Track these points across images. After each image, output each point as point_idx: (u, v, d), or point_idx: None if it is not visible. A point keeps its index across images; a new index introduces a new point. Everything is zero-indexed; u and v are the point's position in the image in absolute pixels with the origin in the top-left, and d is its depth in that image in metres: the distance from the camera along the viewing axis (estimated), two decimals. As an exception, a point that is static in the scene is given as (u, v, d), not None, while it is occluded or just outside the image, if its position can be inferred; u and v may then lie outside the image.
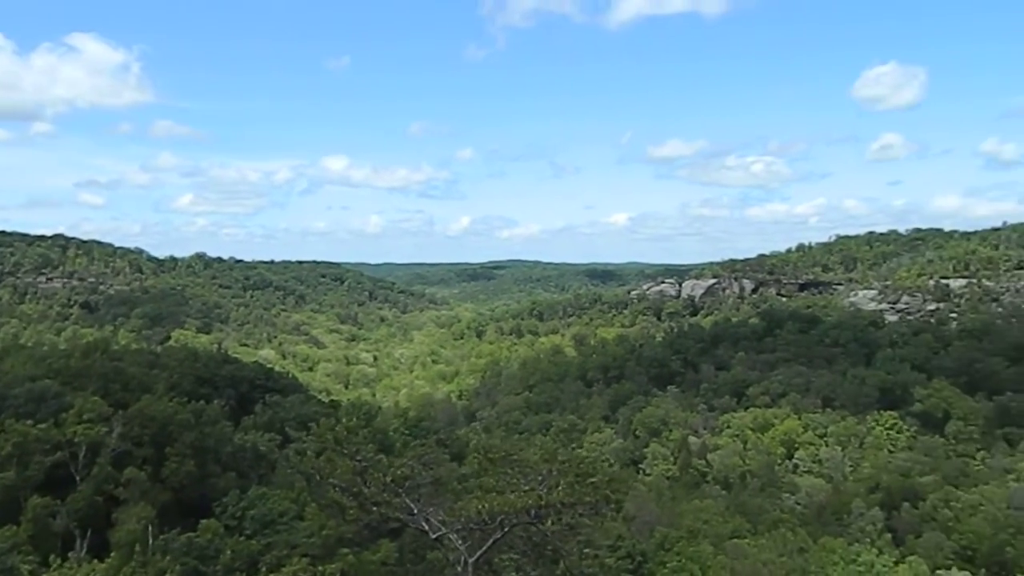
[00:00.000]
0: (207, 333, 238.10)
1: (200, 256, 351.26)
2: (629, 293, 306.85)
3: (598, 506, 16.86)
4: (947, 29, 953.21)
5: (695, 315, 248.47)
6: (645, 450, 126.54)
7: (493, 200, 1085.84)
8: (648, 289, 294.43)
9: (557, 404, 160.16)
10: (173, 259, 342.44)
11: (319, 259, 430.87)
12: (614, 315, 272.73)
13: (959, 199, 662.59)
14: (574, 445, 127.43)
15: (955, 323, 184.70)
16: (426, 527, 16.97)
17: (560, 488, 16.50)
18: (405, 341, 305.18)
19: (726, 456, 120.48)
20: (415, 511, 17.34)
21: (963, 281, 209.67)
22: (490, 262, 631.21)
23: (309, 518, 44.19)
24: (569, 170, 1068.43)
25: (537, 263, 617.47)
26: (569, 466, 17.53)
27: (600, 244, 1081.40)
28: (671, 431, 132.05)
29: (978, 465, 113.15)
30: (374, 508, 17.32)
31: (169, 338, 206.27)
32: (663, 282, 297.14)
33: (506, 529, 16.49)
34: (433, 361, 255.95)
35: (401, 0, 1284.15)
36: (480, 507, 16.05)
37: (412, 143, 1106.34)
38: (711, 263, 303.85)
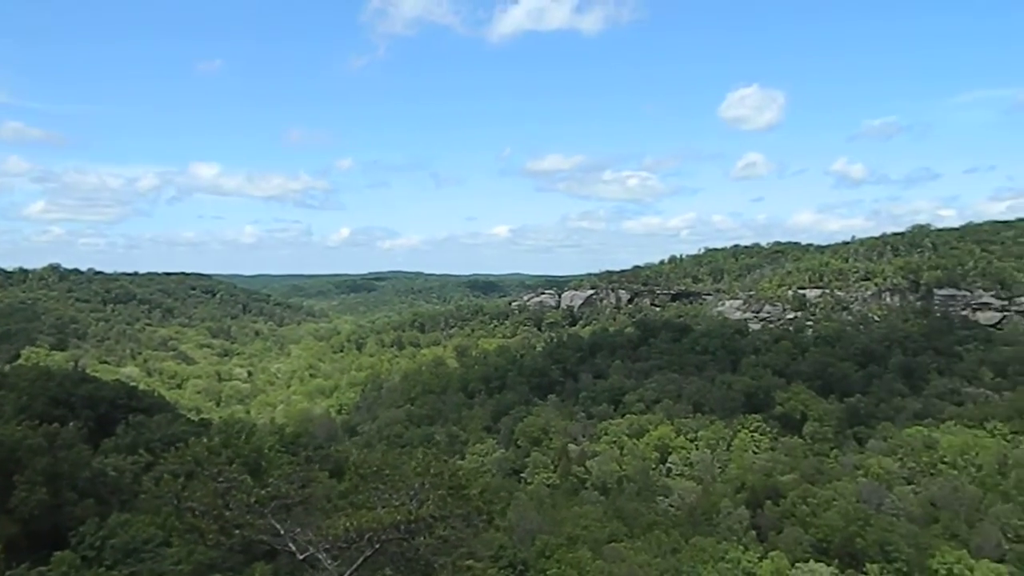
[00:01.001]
0: (62, 350, 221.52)
1: (54, 267, 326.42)
2: (510, 304, 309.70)
3: (470, 518, 16.83)
4: (803, 56, 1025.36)
5: (574, 325, 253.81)
6: (526, 459, 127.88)
7: (374, 210, 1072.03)
8: (529, 300, 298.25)
9: (439, 416, 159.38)
10: (23, 271, 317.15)
11: (188, 271, 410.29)
12: (496, 326, 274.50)
13: (814, 215, 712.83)
14: (457, 457, 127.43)
15: (811, 330, 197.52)
16: (293, 548, 16.42)
17: (431, 502, 16.38)
18: (282, 355, 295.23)
19: (604, 462, 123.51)
20: (281, 532, 16.74)
21: (818, 291, 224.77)
22: (371, 273, 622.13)
23: (177, 544, 41.81)
24: (451, 181, 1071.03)
25: (419, 274, 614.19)
26: (441, 479, 17.43)
27: (482, 255, 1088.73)
28: (551, 439, 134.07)
29: (832, 463, 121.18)
30: (236, 531, 16.57)
31: (18, 356, 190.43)
32: (543, 293, 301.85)
33: (377, 546, 16.20)
34: (311, 375, 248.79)
35: (278, 2, 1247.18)
36: (348, 525, 15.68)
37: (289, 151, 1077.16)
38: (590, 274, 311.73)
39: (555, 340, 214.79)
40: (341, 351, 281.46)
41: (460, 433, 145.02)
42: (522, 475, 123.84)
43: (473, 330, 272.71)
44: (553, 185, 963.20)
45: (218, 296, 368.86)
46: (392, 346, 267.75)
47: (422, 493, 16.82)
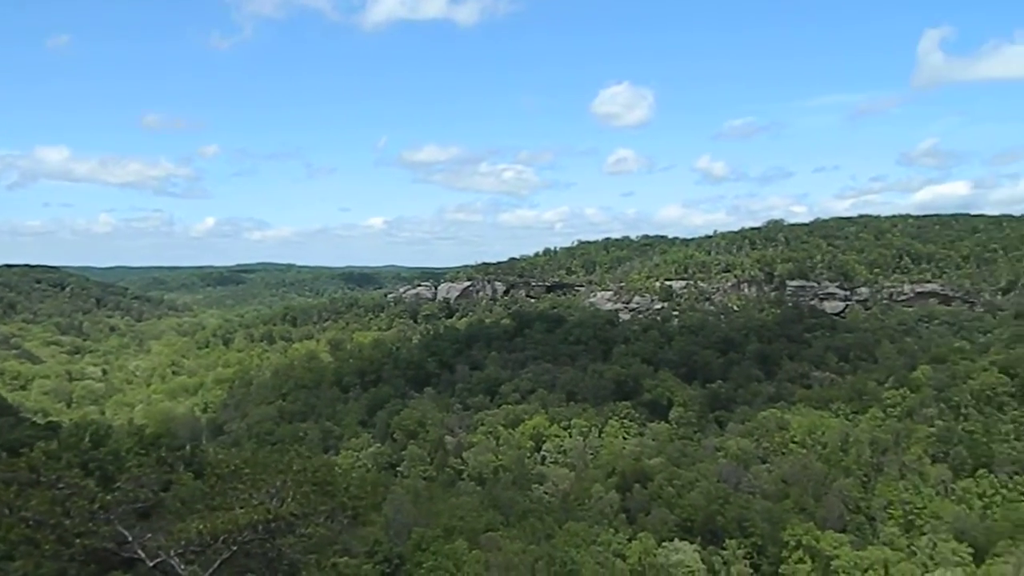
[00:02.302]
0: None
1: None
2: (386, 296, 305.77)
3: (335, 514, 16.42)
4: (671, 57, 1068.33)
5: (450, 317, 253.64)
6: (403, 453, 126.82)
7: (242, 200, 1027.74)
8: (405, 292, 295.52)
9: (312, 412, 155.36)
10: None
11: (34, 262, 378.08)
12: (371, 319, 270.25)
13: (680, 210, 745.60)
14: (331, 452, 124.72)
15: (677, 320, 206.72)
16: (142, 554, 15.43)
17: (293, 500, 15.84)
18: (141, 352, 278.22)
19: (480, 453, 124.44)
20: (130, 538, 15.69)
21: (683, 283, 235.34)
22: (239, 265, 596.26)
23: (20, 558, 38.56)
24: (324, 171, 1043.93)
25: (290, 266, 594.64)
26: (304, 476, 16.88)
27: (357, 247, 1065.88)
28: (428, 432, 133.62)
29: (695, 446, 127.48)
30: (76, 540, 15.37)
31: None
32: (419, 285, 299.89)
33: (234, 547, 15.51)
34: (174, 373, 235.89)
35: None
36: (201, 527, 14.89)
37: (148, 135, 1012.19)
38: (466, 266, 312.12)
39: (431, 332, 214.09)
40: (206, 347, 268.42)
41: (334, 428, 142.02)
42: (398, 469, 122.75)
43: (348, 323, 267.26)
44: (430, 176, 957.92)
45: (68, 290, 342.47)
46: (262, 341, 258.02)
47: (283, 491, 16.22)
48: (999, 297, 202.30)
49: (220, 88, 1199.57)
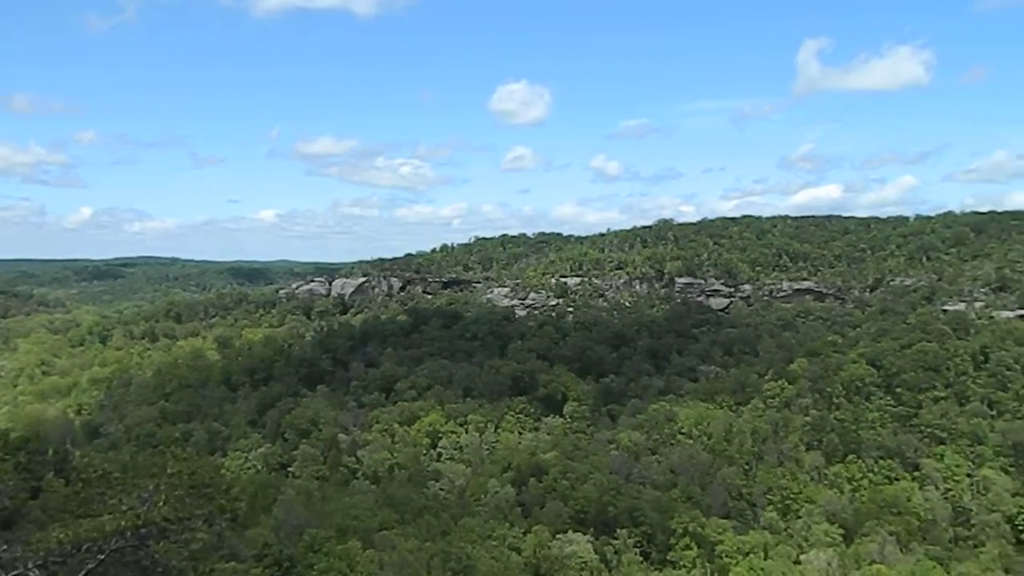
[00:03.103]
0: None
1: None
2: (278, 292, 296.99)
3: (212, 518, 15.65)
4: (568, 57, 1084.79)
5: (345, 313, 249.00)
6: (294, 452, 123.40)
7: (121, 189, 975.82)
8: (298, 288, 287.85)
9: (198, 412, 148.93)
10: None
11: None
12: (261, 315, 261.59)
13: (574, 208, 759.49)
14: (218, 454, 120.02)
15: (571, 316, 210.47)
16: (-3, 567, 14.20)
17: (165, 504, 14.97)
18: (6, 350, 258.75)
19: (375, 451, 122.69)
20: (-20, 550, 14.41)
21: (577, 279, 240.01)
22: (117, 259, 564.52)
23: None
24: (212, 161, 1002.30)
25: (175, 260, 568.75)
26: (180, 479, 16.00)
27: (246, 241, 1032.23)
28: (321, 431, 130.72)
29: (588, 439, 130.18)
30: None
31: None
32: (313, 281, 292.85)
33: (101, 556, 14.52)
34: (44, 373, 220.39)
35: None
36: (62, 536, 13.85)
37: (16, 119, 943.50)
38: (361, 261, 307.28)
39: (325, 329, 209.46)
40: (81, 345, 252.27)
41: (222, 429, 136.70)
42: (290, 469, 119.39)
43: (236, 320, 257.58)
44: (324, 169, 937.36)
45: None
46: (143, 338, 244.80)
47: (156, 495, 15.29)
48: (867, 294, 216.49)
49: (99, 72, 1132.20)
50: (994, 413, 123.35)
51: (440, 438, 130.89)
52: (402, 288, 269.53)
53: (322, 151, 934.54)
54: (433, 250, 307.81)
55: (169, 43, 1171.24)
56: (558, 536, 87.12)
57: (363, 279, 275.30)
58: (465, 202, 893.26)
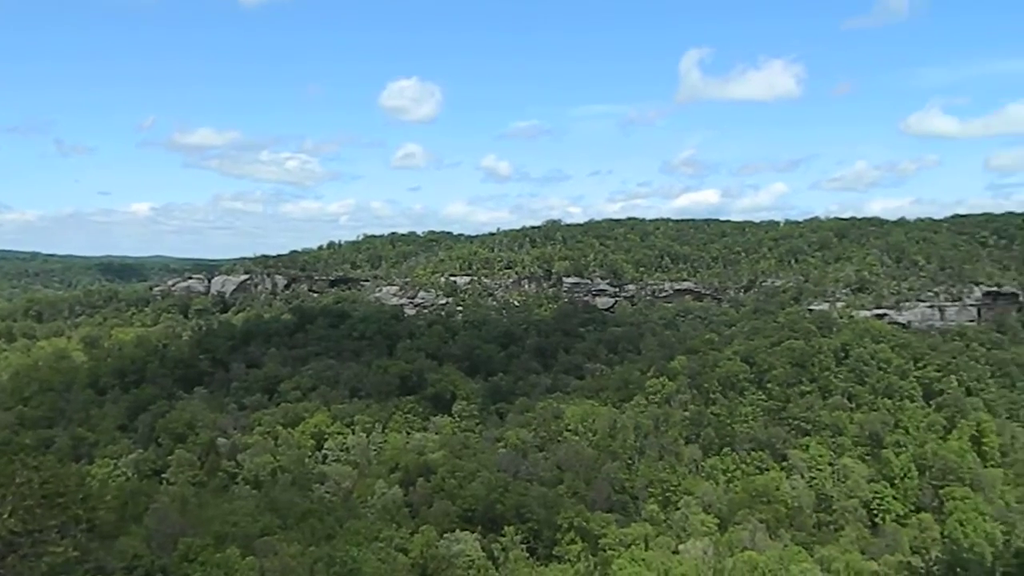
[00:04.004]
0: None
1: None
2: (152, 289, 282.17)
3: (66, 529, 14.62)
4: (459, 55, 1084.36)
5: (226, 312, 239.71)
6: (169, 458, 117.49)
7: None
8: (174, 285, 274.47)
9: (62, 417, 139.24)
10: None
11: None
12: (134, 314, 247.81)
13: (465, 206, 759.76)
14: (84, 461, 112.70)
15: (461, 315, 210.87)
16: None
17: (12, 515, 13.89)
18: None
19: (256, 454, 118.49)
20: None
21: (467, 278, 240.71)
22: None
23: None
24: (79, 150, 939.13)
25: (35, 255, 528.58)
26: (30, 488, 14.86)
27: (117, 235, 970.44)
28: (198, 435, 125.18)
29: (477, 437, 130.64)
30: None
31: None
32: (191, 278, 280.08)
33: (-60, 570, 13.31)
34: None
35: None
36: None
37: None
38: (244, 258, 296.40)
39: (204, 328, 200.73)
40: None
41: (88, 435, 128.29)
42: (164, 475, 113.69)
43: (106, 319, 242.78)
44: (204, 162, 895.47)
45: None
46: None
47: (2, 507, 14.14)
48: (742, 294, 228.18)
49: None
50: (853, 406, 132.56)
51: (326, 439, 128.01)
52: (287, 286, 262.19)
53: (201, 142, 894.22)
54: (320, 247, 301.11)
55: (31, 21, 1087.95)
56: (446, 535, 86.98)
57: (245, 276, 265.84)
58: (354, 199, 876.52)
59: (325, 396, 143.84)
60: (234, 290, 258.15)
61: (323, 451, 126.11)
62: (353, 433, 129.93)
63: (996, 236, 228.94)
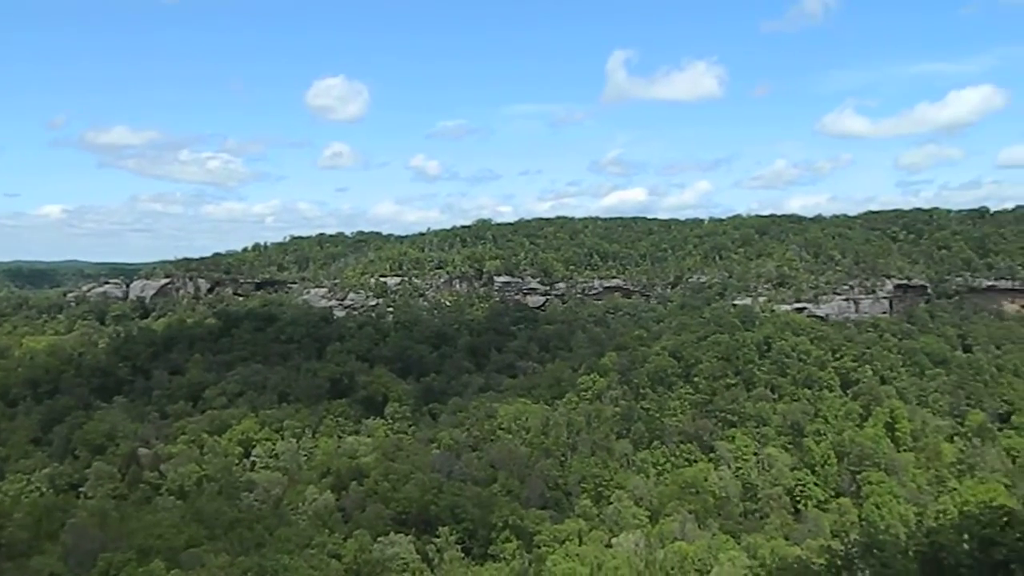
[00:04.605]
0: None
1: None
2: (65, 296, 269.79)
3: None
4: (386, 54, 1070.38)
5: (146, 317, 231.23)
6: (87, 471, 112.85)
7: None
8: (89, 291, 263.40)
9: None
10: None
11: None
12: (46, 321, 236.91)
13: (394, 206, 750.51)
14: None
15: (391, 316, 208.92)
16: None
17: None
18: None
19: (181, 464, 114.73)
20: None
21: (397, 279, 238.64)
22: None
23: None
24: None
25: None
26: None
27: (27, 239, 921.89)
28: (118, 446, 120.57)
29: (410, 439, 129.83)
30: None
31: None
32: (107, 283, 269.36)
33: None
34: None
35: None
36: None
37: None
38: (164, 262, 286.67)
39: (122, 335, 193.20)
40: None
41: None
42: (81, 490, 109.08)
43: (16, 327, 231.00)
44: (120, 162, 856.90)
45: None
46: None
47: None
48: (669, 290, 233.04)
49: None
50: (776, 397, 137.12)
51: (254, 446, 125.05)
52: (210, 290, 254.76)
53: (117, 141, 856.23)
54: (245, 249, 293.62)
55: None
56: (379, 539, 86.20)
57: (166, 280, 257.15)
58: (279, 199, 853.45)
59: (252, 402, 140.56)
60: (154, 295, 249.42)
61: (251, 458, 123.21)
62: (282, 439, 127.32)
63: (905, 231, 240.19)
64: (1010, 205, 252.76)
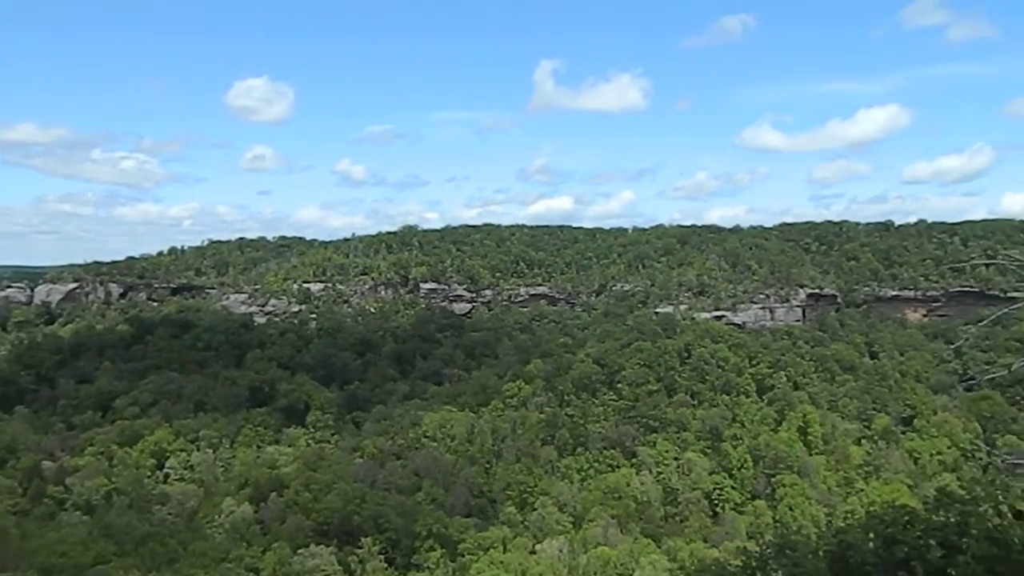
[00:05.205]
0: None
1: None
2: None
3: None
4: (312, 55, 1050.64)
5: (51, 324, 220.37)
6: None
7: None
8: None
9: None
10: None
11: None
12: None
13: (319, 211, 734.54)
14: None
15: (315, 323, 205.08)
16: None
17: None
18: None
19: (88, 477, 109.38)
20: None
21: (321, 285, 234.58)
22: None
23: None
24: None
25: None
26: None
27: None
28: (19, 458, 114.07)
29: (333, 448, 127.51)
30: None
31: None
32: (10, 287, 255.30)
33: None
34: None
35: None
36: None
37: None
38: (72, 265, 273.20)
39: (25, 342, 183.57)
40: None
41: None
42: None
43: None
44: (26, 160, 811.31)
45: None
46: None
47: None
48: (593, 298, 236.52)
49: None
50: (695, 403, 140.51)
51: (167, 457, 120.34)
52: (123, 295, 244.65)
53: (23, 139, 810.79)
54: (160, 253, 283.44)
55: None
56: (299, 551, 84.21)
57: (74, 285, 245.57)
58: (198, 202, 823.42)
59: (167, 411, 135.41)
60: (61, 300, 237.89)
61: (164, 470, 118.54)
62: (198, 449, 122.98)
63: (818, 243, 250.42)
64: (913, 219, 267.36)
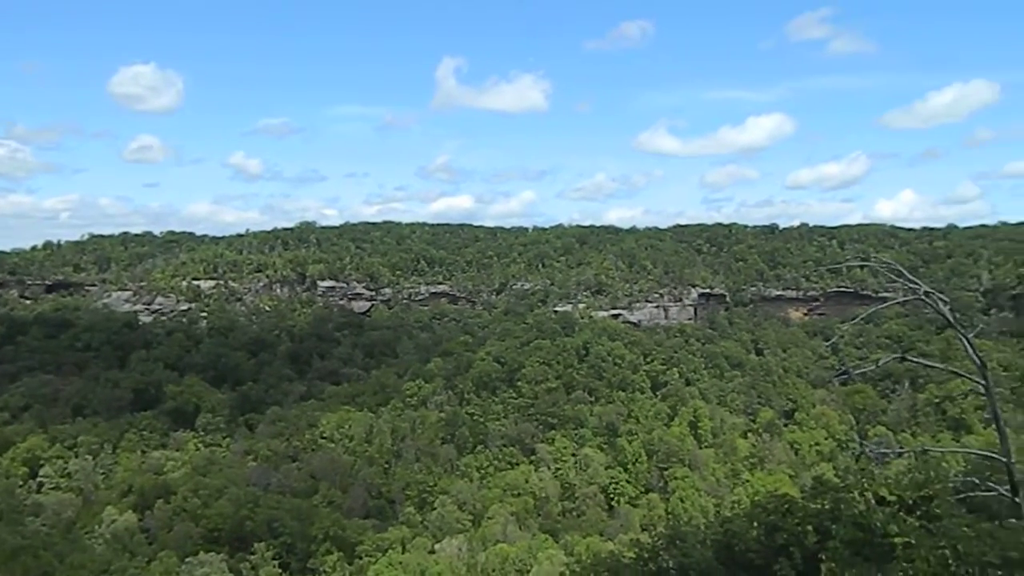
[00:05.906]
0: None
1: None
2: None
3: None
4: (202, 42, 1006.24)
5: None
6: None
7: None
8: None
9: None
10: None
11: None
12: None
13: (210, 206, 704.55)
14: None
15: (205, 322, 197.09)
16: None
17: None
18: None
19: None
20: None
21: (212, 282, 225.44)
22: None
23: None
24: None
25: None
26: None
27: None
28: None
29: (224, 452, 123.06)
30: None
31: None
32: None
33: None
34: None
35: None
36: None
37: None
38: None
39: None
40: None
41: None
42: None
43: None
44: None
45: None
46: None
47: None
48: (494, 297, 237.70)
49: None
50: (593, 399, 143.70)
51: (42, 465, 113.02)
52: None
53: None
54: (34, 248, 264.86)
55: None
56: (188, 560, 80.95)
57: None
58: (77, 194, 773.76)
59: (41, 416, 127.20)
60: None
61: (38, 479, 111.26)
62: (76, 456, 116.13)
63: (708, 244, 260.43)
64: (796, 223, 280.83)
